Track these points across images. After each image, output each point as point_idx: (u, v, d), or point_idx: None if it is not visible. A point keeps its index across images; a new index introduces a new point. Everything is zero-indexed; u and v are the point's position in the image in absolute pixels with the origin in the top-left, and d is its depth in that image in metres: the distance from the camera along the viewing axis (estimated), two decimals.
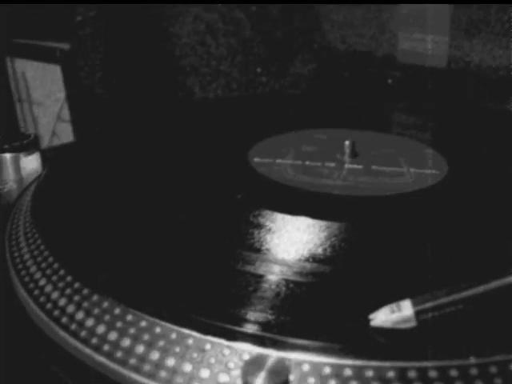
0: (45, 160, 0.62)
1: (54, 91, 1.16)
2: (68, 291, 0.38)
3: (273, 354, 0.31)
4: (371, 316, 0.33)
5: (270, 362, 0.30)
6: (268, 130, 0.63)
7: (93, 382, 0.34)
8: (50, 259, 0.41)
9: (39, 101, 1.21)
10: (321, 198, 0.48)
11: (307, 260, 0.39)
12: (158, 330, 0.34)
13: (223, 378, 0.31)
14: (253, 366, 0.30)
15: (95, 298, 0.37)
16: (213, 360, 0.32)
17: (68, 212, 0.47)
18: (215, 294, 0.37)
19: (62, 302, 0.37)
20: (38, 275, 0.40)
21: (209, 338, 0.33)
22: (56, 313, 0.37)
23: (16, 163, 0.59)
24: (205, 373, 0.32)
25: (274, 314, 0.34)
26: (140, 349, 0.33)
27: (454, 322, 0.33)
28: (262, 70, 1.00)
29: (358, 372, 0.31)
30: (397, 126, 0.68)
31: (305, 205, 0.47)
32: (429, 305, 0.33)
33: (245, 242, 0.41)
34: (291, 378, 0.30)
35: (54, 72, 1.13)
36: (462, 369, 0.31)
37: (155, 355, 0.33)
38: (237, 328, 0.33)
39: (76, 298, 0.37)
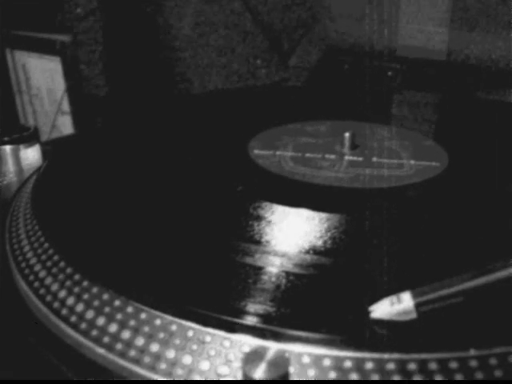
0: (45, 152, 0.62)
1: (53, 83, 1.16)
2: (68, 283, 0.38)
3: (273, 346, 0.31)
4: (371, 308, 0.33)
5: (270, 354, 0.30)
6: (268, 122, 0.63)
7: (93, 374, 0.34)
8: (50, 251, 0.41)
9: (39, 93, 1.21)
10: (321, 190, 0.48)
11: (307, 252, 0.39)
12: (157, 321, 0.34)
13: (223, 370, 0.31)
14: (253, 358, 0.30)
15: (95, 289, 0.37)
16: (213, 352, 0.32)
17: (68, 204, 0.47)
18: (215, 286, 0.37)
19: (62, 293, 0.37)
20: (37, 267, 0.40)
21: (209, 330, 0.33)
22: (56, 305, 0.37)
23: (16, 155, 0.59)
24: (205, 365, 0.32)
25: (274, 306, 0.34)
26: (140, 341, 0.33)
27: (453, 314, 0.33)
28: (262, 62, 1.00)
29: (358, 364, 0.31)
30: (397, 118, 0.68)
31: (305, 197, 0.47)
32: (429, 297, 0.33)
33: (245, 234, 0.41)
34: (291, 370, 0.30)
35: (54, 64, 1.13)
36: (462, 361, 0.31)
37: (155, 347, 0.33)
38: (237, 320, 0.33)
39: (76, 289, 0.37)
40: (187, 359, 0.32)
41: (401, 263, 0.38)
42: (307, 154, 0.54)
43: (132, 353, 0.33)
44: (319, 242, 0.40)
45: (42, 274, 0.40)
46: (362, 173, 0.51)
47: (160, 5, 1.04)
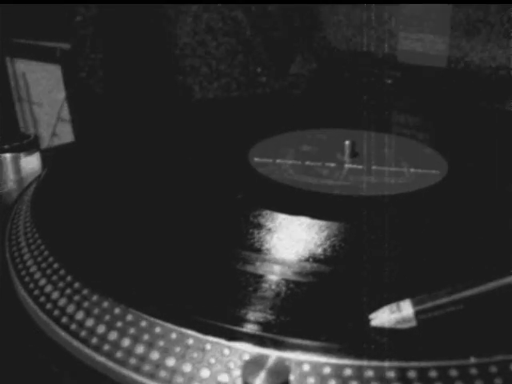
0: (45, 160, 0.62)
1: (54, 91, 1.16)
2: (68, 291, 0.38)
3: (273, 354, 0.31)
4: (371, 316, 0.33)
5: (270, 362, 0.30)
6: (268, 130, 0.63)
7: (93, 382, 0.34)
8: (50, 259, 0.41)
9: (39, 101, 1.21)
10: (321, 198, 0.48)
11: (307, 260, 0.39)
12: (158, 329, 0.34)
13: (223, 378, 0.31)
14: (253, 366, 0.30)
15: (95, 297, 0.37)
16: (213, 360, 0.32)
17: (68, 212, 0.47)
18: (215, 294, 0.37)
19: (62, 301, 0.37)
20: (38, 275, 0.40)
21: (209, 338, 0.33)
22: (56, 313, 0.37)
23: (16, 163, 0.59)
24: (205, 373, 0.32)
25: (273, 314, 0.34)
26: (140, 349, 0.33)
27: (453, 321, 0.33)
28: (262, 69, 1.00)
29: (358, 372, 0.31)
30: (397, 126, 0.68)
31: (305, 205, 0.47)
32: (429, 305, 0.33)
33: (245, 242, 0.41)
34: (291, 378, 0.30)
35: (54, 72, 1.13)
36: (462, 369, 0.31)
37: (155, 355, 0.33)
38: (237, 328, 0.33)
39: (76, 297, 0.37)
40: (187, 367, 0.32)
41: (401, 271, 0.38)
42: (307, 162, 0.54)
43: (132, 361, 0.33)
44: (319, 250, 0.40)
45: (42, 281, 0.40)
46: (361, 181, 0.51)
47: (160, 13, 1.04)
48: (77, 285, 0.38)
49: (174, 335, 0.33)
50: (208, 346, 0.33)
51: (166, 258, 0.41)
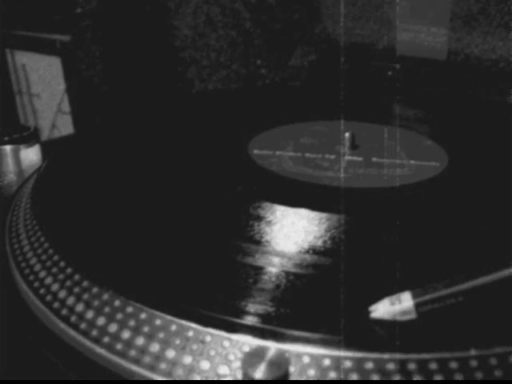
0: (45, 152, 0.62)
1: (54, 83, 1.16)
2: (68, 283, 0.38)
3: (273, 346, 0.31)
4: (371, 308, 0.33)
5: (269, 354, 0.30)
6: (268, 122, 0.63)
7: (93, 374, 0.34)
8: (50, 251, 0.41)
9: (39, 93, 1.21)
10: (321, 190, 0.48)
11: (307, 252, 0.39)
12: (157, 321, 0.34)
13: (223, 369, 0.32)
14: (253, 358, 0.30)
15: (95, 290, 0.37)
16: (213, 352, 0.32)
17: (68, 204, 0.47)
18: (215, 286, 0.37)
19: (62, 294, 0.37)
20: (38, 267, 0.40)
21: (209, 329, 0.33)
22: (56, 305, 0.37)
23: (16, 155, 0.59)
24: (205, 365, 0.32)
25: (273, 306, 0.34)
26: (140, 341, 0.33)
27: (453, 314, 0.33)
28: (262, 62, 1.00)
29: (358, 364, 0.31)
30: (397, 118, 0.67)
31: (305, 197, 0.47)
32: (429, 297, 0.33)
33: (245, 234, 0.41)
34: (291, 370, 0.30)
35: (54, 64, 1.13)
36: (462, 361, 0.31)
37: (155, 347, 0.33)
38: (237, 320, 0.33)
39: (76, 289, 0.37)
40: (187, 359, 0.32)
41: (401, 263, 0.38)
42: (307, 154, 0.54)
43: (132, 353, 0.33)
44: (319, 242, 0.40)
45: (42, 274, 0.40)
46: (361, 173, 0.51)
47: (160, 5, 1.04)
48: (77, 277, 0.38)
49: (173, 327, 0.33)
50: (208, 338, 0.33)
51: (166, 250, 0.41)
